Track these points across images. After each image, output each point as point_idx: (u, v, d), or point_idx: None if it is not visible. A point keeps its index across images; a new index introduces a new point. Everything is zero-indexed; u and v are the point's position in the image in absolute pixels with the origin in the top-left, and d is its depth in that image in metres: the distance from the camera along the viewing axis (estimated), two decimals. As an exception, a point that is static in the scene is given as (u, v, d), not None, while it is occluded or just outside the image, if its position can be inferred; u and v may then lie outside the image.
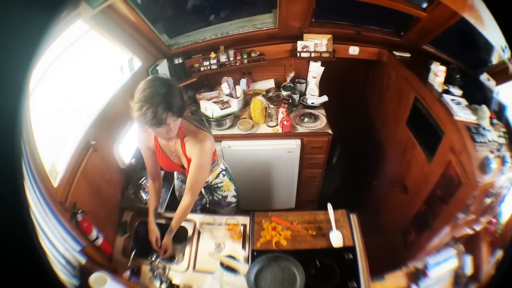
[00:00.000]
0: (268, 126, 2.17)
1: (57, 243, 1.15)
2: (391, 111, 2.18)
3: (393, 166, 2.15)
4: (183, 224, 1.54)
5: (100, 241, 1.38)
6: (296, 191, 2.37)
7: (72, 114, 1.46)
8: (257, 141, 2.14)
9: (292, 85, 2.29)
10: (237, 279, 1.36)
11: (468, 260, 1.34)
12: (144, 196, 1.70)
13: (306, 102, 2.29)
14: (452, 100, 1.61)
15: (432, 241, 1.53)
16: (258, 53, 2.20)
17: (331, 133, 2.11)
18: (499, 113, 1.42)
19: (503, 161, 1.35)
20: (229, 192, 1.73)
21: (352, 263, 1.41)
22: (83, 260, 1.24)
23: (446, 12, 1.67)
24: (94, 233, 1.35)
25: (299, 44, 2.19)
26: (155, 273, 1.37)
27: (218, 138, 2.09)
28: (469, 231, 1.38)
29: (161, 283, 1.37)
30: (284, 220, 1.57)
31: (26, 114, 1.05)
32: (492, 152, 1.37)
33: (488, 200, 1.35)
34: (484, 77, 1.50)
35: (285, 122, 2.08)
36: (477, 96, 1.54)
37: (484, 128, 1.43)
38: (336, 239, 1.48)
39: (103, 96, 1.63)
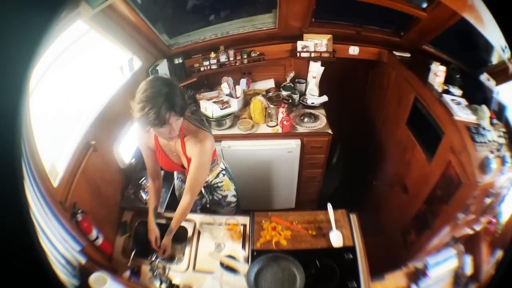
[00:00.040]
0: (268, 126, 2.17)
1: (57, 243, 1.15)
2: (391, 111, 2.18)
3: (393, 166, 2.15)
4: (183, 224, 1.54)
5: (100, 241, 1.38)
6: (296, 191, 2.37)
7: (72, 114, 1.46)
8: (257, 141, 2.13)
9: (292, 85, 2.29)
10: (237, 279, 1.36)
11: (468, 260, 1.34)
12: (144, 196, 1.70)
13: (306, 102, 2.29)
14: (452, 100, 1.61)
15: (432, 241, 1.52)
16: (258, 53, 2.20)
17: (331, 133, 2.11)
18: (499, 113, 1.42)
19: (503, 161, 1.35)
20: (229, 191, 1.73)
21: (352, 263, 1.41)
22: (83, 260, 1.24)
23: (446, 12, 1.67)
24: (94, 233, 1.35)
25: (299, 44, 2.19)
26: (155, 273, 1.37)
27: (218, 138, 2.09)
28: (469, 231, 1.38)
29: (161, 283, 1.37)
30: (284, 220, 1.57)
31: (26, 114, 1.05)
32: (492, 152, 1.37)
33: (488, 200, 1.35)
34: (484, 77, 1.50)
35: (285, 122, 2.08)
36: (477, 96, 1.54)
37: (484, 128, 1.43)
38: (336, 239, 1.48)
39: (103, 96, 1.63)
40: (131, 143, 1.78)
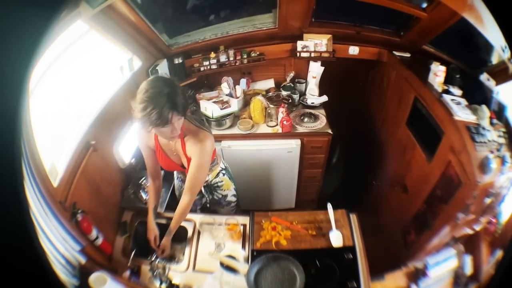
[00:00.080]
0: (268, 126, 2.17)
1: (57, 243, 1.15)
2: (391, 111, 2.18)
3: (393, 166, 2.15)
4: (183, 224, 1.54)
5: (100, 241, 1.38)
6: (296, 191, 2.37)
7: (72, 114, 1.46)
8: (257, 141, 2.13)
9: (292, 85, 2.29)
10: (237, 279, 1.36)
11: (468, 260, 1.34)
12: (144, 196, 1.70)
13: (306, 102, 2.29)
14: (452, 100, 1.61)
15: (432, 241, 1.53)
16: (258, 53, 2.20)
17: (331, 133, 2.11)
18: (499, 113, 1.42)
19: (503, 161, 1.35)
20: (229, 191, 1.73)
21: (352, 263, 1.41)
22: (83, 260, 1.24)
23: (446, 12, 1.67)
24: (94, 233, 1.35)
25: (299, 44, 2.19)
26: (155, 273, 1.37)
27: (218, 138, 2.09)
28: (469, 231, 1.38)
29: (161, 283, 1.37)
30: (284, 220, 1.57)
31: (26, 114, 1.05)
32: (492, 152, 1.37)
33: (488, 200, 1.35)
34: (484, 77, 1.50)
35: (285, 122, 2.08)
36: (477, 96, 1.54)
37: (484, 128, 1.43)
38: (336, 239, 1.48)
39: (103, 96, 1.63)
40: (131, 143, 1.78)
